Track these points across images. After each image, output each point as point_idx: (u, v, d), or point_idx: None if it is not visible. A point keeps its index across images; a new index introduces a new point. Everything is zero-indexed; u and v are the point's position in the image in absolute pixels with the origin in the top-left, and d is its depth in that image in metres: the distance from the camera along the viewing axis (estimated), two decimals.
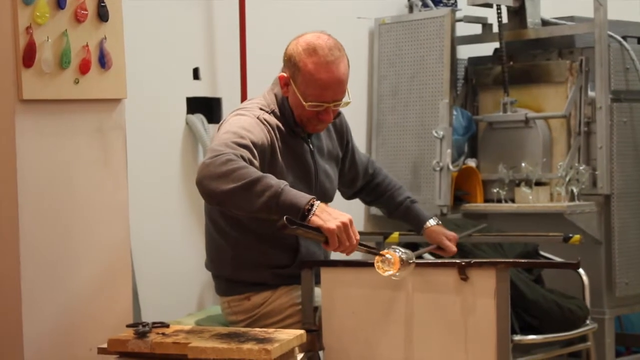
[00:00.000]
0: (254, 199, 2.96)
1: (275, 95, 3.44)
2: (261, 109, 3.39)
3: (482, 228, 4.24)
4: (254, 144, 3.17)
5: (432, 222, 3.81)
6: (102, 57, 3.26)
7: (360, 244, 3.02)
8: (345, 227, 2.94)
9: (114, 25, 3.29)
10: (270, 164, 3.30)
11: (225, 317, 3.58)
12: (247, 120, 3.28)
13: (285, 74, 3.38)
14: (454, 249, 3.77)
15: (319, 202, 2.97)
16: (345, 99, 3.38)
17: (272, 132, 3.33)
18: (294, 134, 3.44)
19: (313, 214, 2.94)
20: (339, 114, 3.55)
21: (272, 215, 2.96)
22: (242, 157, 3.05)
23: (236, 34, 4.54)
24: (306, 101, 3.32)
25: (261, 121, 3.31)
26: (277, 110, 3.41)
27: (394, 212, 3.89)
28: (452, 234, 3.81)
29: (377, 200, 3.93)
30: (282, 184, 2.98)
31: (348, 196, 3.93)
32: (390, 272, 3.03)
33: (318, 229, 2.93)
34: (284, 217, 2.83)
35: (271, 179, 2.98)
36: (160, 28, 4.34)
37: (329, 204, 3.57)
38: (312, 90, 3.31)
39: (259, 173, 2.99)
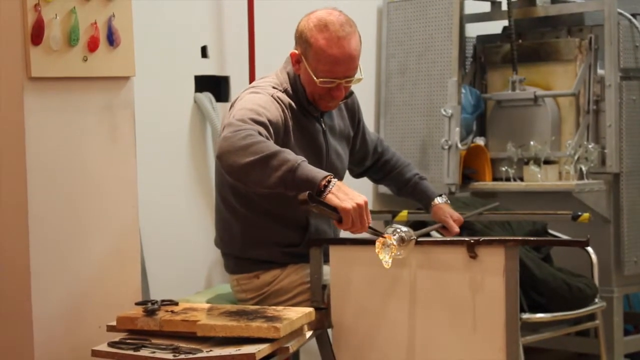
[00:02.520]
0: (271, 173, 2.94)
1: (288, 74, 3.43)
2: (274, 87, 3.38)
3: (494, 207, 4.23)
4: (270, 121, 3.17)
5: (439, 200, 3.81)
6: (111, 35, 3.25)
7: (370, 228, 3.01)
8: (360, 208, 2.92)
9: (122, 3, 3.28)
10: (283, 143, 3.28)
11: (234, 295, 3.58)
12: (262, 98, 3.27)
13: (296, 51, 3.37)
14: (457, 229, 3.76)
15: (335, 179, 2.96)
16: (357, 76, 3.37)
17: (285, 110, 3.33)
18: (306, 112, 3.43)
19: (329, 192, 2.92)
20: (351, 93, 3.55)
21: (288, 191, 2.95)
22: (259, 133, 3.04)
23: (244, 12, 4.52)
24: (318, 77, 3.31)
25: (275, 99, 3.31)
26: (289, 89, 3.41)
27: (403, 189, 3.89)
28: (457, 214, 3.80)
29: (385, 177, 3.92)
30: (300, 159, 2.96)
31: (356, 174, 3.93)
32: (385, 260, 3.00)
33: (334, 208, 2.92)
34: (307, 193, 2.82)
35: (288, 154, 2.96)
36: (168, 6, 4.32)
37: None
38: (323, 66, 3.30)
39: (277, 147, 2.98)
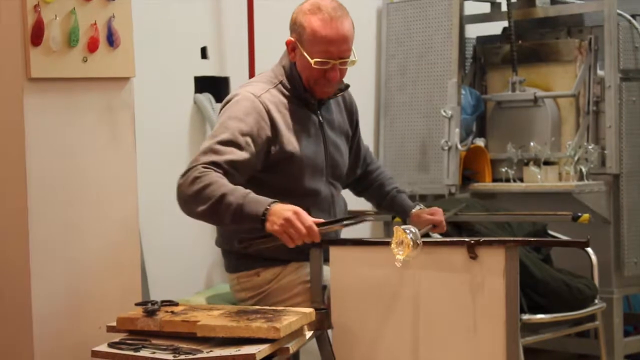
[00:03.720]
0: (223, 216, 3.11)
1: (283, 67, 3.48)
2: (267, 82, 3.43)
3: (464, 207, 4.23)
4: (243, 134, 3.25)
5: (416, 209, 3.81)
6: (111, 36, 3.26)
7: (324, 224, 3.11)
8: (288, 222, 3.04)
9: (122, 4, 3.29)
10: (277, 142, 3.34)
11: (234, 294, 3.58)
12: (242, 108, 3.33)
13: (292, 39, 3.43)
14: (440, 219, 3.76)
15: (275, 204, 3.08)
16: (351, 58, 3.42)
17: (273, 110, 3.36)
18: (302, 105, 3.46)
19: (267, 221, 3.07)
20: (347, 86, 3.59)
21: (245, 226, 3.14)
22: (216, 164, 3.16)
23: (244, 13, 4.53)
24: (312, 58, 3.35)
25: (260, 103, 3.35)
26: (285, 81, 3.45)
27: (382, 203, 3.90)
28: (434, 208, 3.80)
29: (367, 190, 3.92)
30: (242, 197, 3.09)
31: (345, 184, 3.92)
32: (399, 257, 3.02)
33: (270, 235, 3.08)
34: (236, 242, 3.14)
35: (230, 195, 3.09)
36: (168, 7, 4.32)
37: (340, 182, 3.60)
38: (318, 47, 3.35)
39: (222, 189, 3.10)
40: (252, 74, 4.51)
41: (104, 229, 3.29)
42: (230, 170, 3.19)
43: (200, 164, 3.16)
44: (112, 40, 3.26)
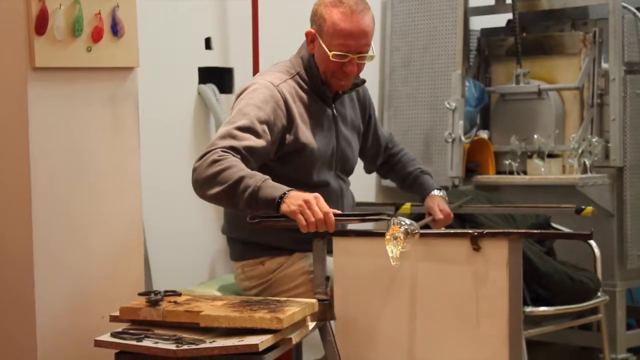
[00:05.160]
0: (238, 199, 3.07)
1: (302, 58, 3.50)
2: (285, 74, 3.45)
3: (469, 199, 4.23)
4: (261, 121, 3.25)
5: (435, 192, 3.82)
6: (115, 25, 3.25)
7: (341, 215, 3.09)
8: (307, 204, 3.01)
9: None
10: (292, 132, 3.37)
11: (238, 283, 3.59)
12: (260, 96, 3.33)
13: (312, 30, 3.44)
14: (440, 216, 3.76)
15: (292, 191, 3.05)
16: (370, 53, 3.43)
17: (288, 100, 3.38)
18: (317, 98, 3.48)
19: (283, 203, 3.03)
20: (363, 81, 3.62)
21: (259, 211, 3.09)
22: (234, 149, 3.14)
23: (248, 4, 4.52)
24: (331, 51, 3.37)
25: (279, 92, 3.36)
26: (302, 73, 3.47)
27: (404, 183, 3.92)
28: (447, 208, 3.80)
29: (390, 171, 3.95)
30: (260, 180, 3.06)
31: (370, 171, 3.97)
32: (392, 253, 3.02)
33: (284, 216, 3.03)
34: (249, 217, 3.04)
35: (249, 178, 3.06)
36: None
37: (349, 177, 3.61)
38: (336, 39, 3.36)
39: (241, 172, 3.08)
40: (256, 65, 4.50)
41: (108, 218, 3.29)
42: (248, 156, 3.18)
43: (219, 147, 3.15)
44: (116, 30, 3.26)
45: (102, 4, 3.22)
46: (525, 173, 4.96)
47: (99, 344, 2.87)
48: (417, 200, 4.06)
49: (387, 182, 4.95)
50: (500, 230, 3.29)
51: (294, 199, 3.01)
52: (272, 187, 3.06)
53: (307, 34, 3.46)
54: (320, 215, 3.01)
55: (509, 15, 5.25)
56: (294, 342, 2.91)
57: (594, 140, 4.81)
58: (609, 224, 4.86)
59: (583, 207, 4.02)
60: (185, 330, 2.88)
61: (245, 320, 2.81)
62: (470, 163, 5.05)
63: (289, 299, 3.10)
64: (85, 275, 3.23)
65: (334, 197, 3.48)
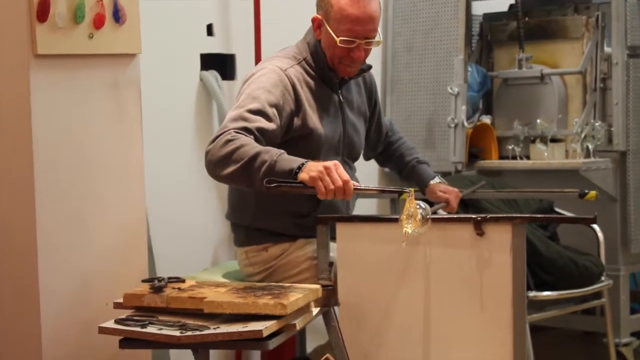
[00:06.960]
0: (254, 176, 3.03)
1: (308, 43, 3.50)
2: (291, 59, 3.45)
3: (482, 185, 4.23)
4: (271, 105, 3.25)
5: (434, 181, 3.83)
6: (117, 12, 3.24)
7: (360, 188, 3.05)
8: (327, 170, 2.97)
9: None
10: (300, 117, 3.37)
11: (241, 269, 3.59)
12: (269, 80, 3.33)
13: (319, 16, 3.44)
14: (447, 196, 3.77)
15: (310, 162, 3.02)
16: (376, 38, 3.44)
17: (296, 85, 3.38)
18: (324, 84, 3.48)
19: (301, 172, 2.99)
20: (369, 67, 3.62)
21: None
22: (247, 130, 3.12)
23: None
24: (338, 36, 3.37)
25: (286, 76, 3.36)
26: (309, 58, 3.48)
27: (402, 172, 3.93)
28: (453, 189, 3.81)
29: (388, 159, 3.96)
30: (276, 155, 3.04)
31: (368, 158, 3.97)
32: (410, 230, 3.02)
33: (302, 182, 2.99)
34: (266, 180, 2.96)
35: (265, 154, 3.04)
36: None
37: (355, 162, 3.61)
38: (344, 25, 3.36)
39: (255, 149, 3.05)
40: (258, 51, 4.50)
41: (111, 205, 3.29)
42: (260, 137, 3.16)
43: (232, 128, 3.13)
44: (118, 16, 3.25)
45: None
46: (528, 158, 4.95)
47: (103, 330, 2.87)
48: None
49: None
50: (504, 215, 3.29)
51: (314, 167, 2.99)
52: (289, 160, 3.04)
53: (314, 20, 3.46)
54: (340, 182, 2.97)
55: (511, 0, 5.24)
56: (297, 327, 2.91)
57: (596, 124, 4.80)
58: (612, 208, 4.86)
59: (586, 191, 4.02)
60: (189, 316, 2.88)
61: (249, 306, 2.81)
62: (473, 148, 5.04)
63: (293, 284, 3.10)
64: (88, 262, 3.22)
65: None
